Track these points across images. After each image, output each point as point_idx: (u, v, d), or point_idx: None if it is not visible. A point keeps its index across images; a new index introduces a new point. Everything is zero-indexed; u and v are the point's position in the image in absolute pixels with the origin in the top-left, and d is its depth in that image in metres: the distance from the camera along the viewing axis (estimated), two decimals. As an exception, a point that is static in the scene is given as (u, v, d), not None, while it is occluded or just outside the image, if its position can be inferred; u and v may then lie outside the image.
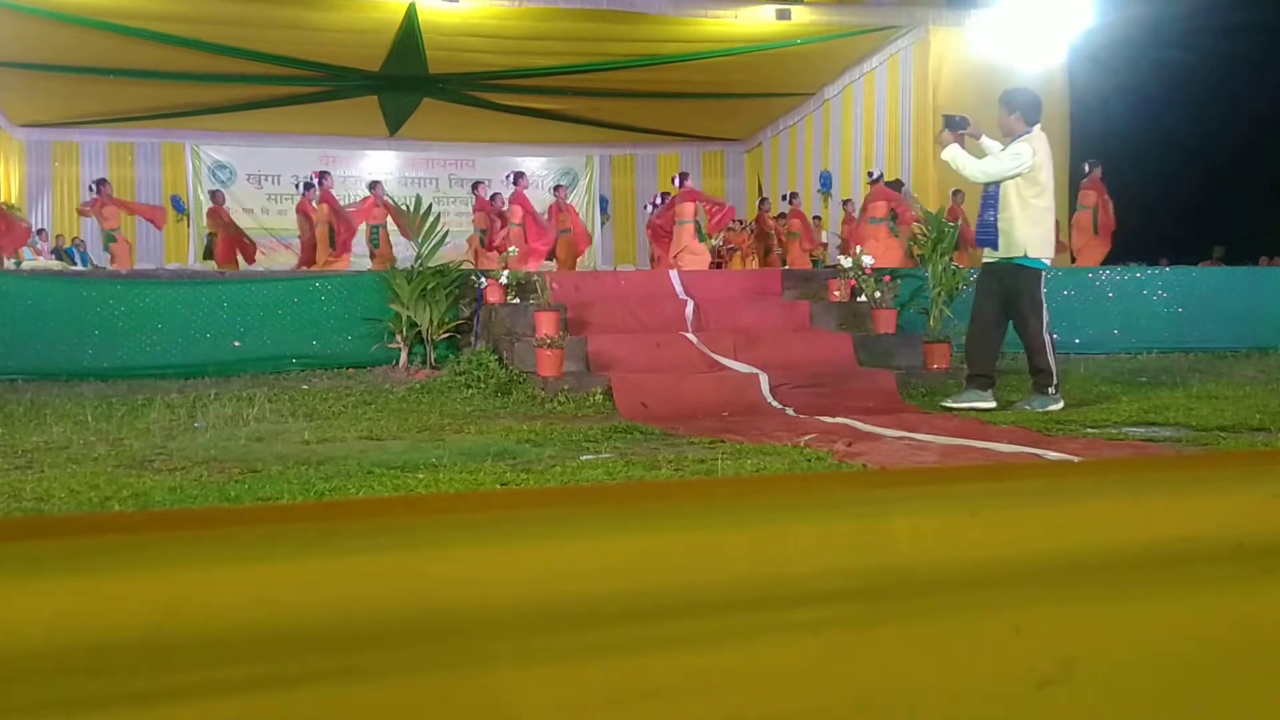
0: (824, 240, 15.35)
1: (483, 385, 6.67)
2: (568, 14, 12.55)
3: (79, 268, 13.81)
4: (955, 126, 5.86)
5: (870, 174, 13.23)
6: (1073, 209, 12.74)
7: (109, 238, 13.18)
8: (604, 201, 20.65)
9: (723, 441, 4.55)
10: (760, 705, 0.55)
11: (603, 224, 20.44)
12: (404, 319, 7.98)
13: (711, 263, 16.84)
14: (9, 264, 12.27)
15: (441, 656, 0.51)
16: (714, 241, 17.65)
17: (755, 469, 3.87)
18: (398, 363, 8.04)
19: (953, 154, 5.76)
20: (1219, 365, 7.98)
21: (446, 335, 8.11)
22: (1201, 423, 4.87)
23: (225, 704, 0.48)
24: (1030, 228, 5.58)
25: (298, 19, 12.40)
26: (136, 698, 0.46)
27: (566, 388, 6.30)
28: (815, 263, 13.75)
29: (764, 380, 6.39)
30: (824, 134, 16.77)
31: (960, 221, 10.03)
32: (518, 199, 12.61)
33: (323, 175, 12.95)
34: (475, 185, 13.90)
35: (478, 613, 0.52)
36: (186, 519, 0.52)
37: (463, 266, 8.87)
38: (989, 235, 5.69)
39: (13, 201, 15.10)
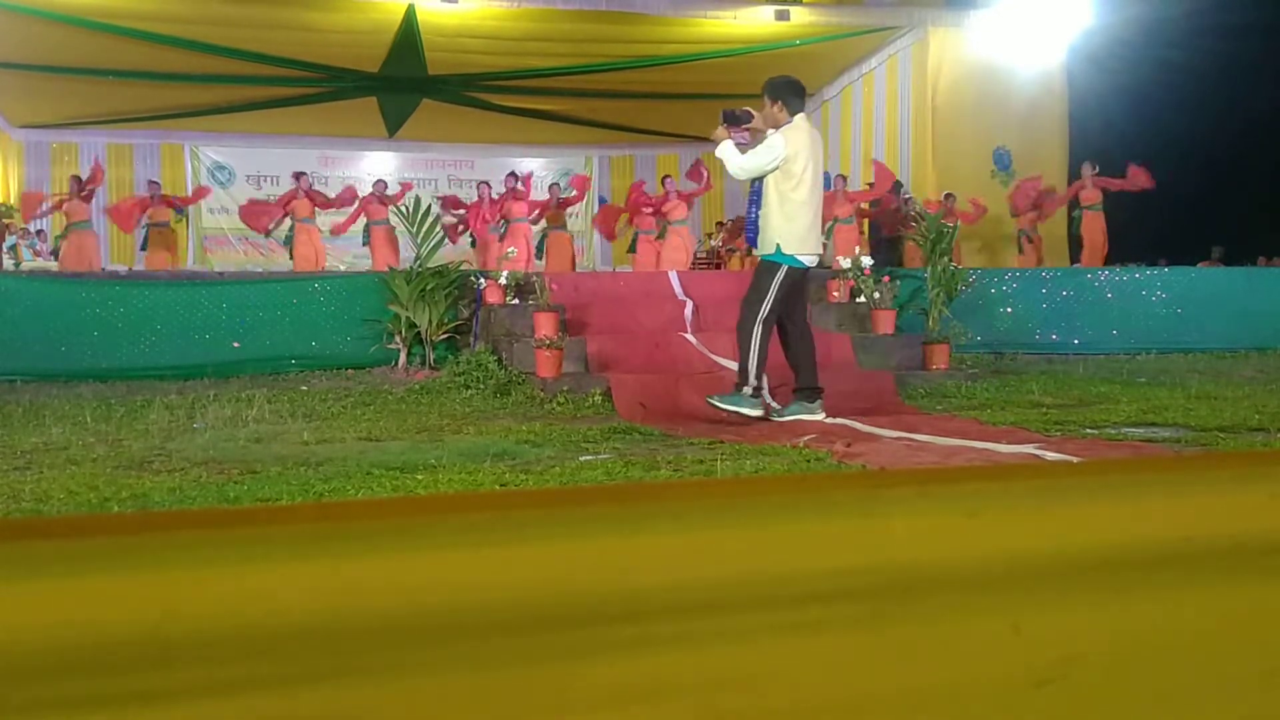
0: None
1: (482, 386, 6.67)
2: (567, 15, 12.55)
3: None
4: (732, 121, 5.53)
5: (844, 178, 13.35)
6: (1072, 209, 12.73)
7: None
8: (603, 202, 20.66)
9: (722, 442, 4.55)
10: (759, 705, 0.55)
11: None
12: (403, 320, 7.98)
13: (710, 263, 16.89)
14: (9, 264, 12.28)
15: (441, 657, 0.51)
16: (714, 242, 17.69)
17: (754, 469, 3.87)
18: (397, 363, 8.04)
19: (722, 150, 5.45)
20: (1218, 365, 7.99)
21: (446, 336, 8.11)
22: (1200, 423, 4.87)
23: (224, 704, 0.48)
24: (785, 223, 5.26)
25: (297, 20, 12.40)
26: (136, 698, 0.46)
27: (565, 388, 6.30)
28: None
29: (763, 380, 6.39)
30: (823, 135, 16.74)
31: (956, 223, 10.04)
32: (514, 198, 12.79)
33: (299, 175, 13.16)
34: (480, 186, 13.98)
35: (477, 613, 0.52)
36: (185, 520, 0.52)
37: (463, 267, 8.88)
38: (751, 233, 5.47)
39: (11, 203, 15.08)
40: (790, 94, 5.46)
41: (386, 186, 13.22)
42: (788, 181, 5.26)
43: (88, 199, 12.12)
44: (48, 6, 11.73)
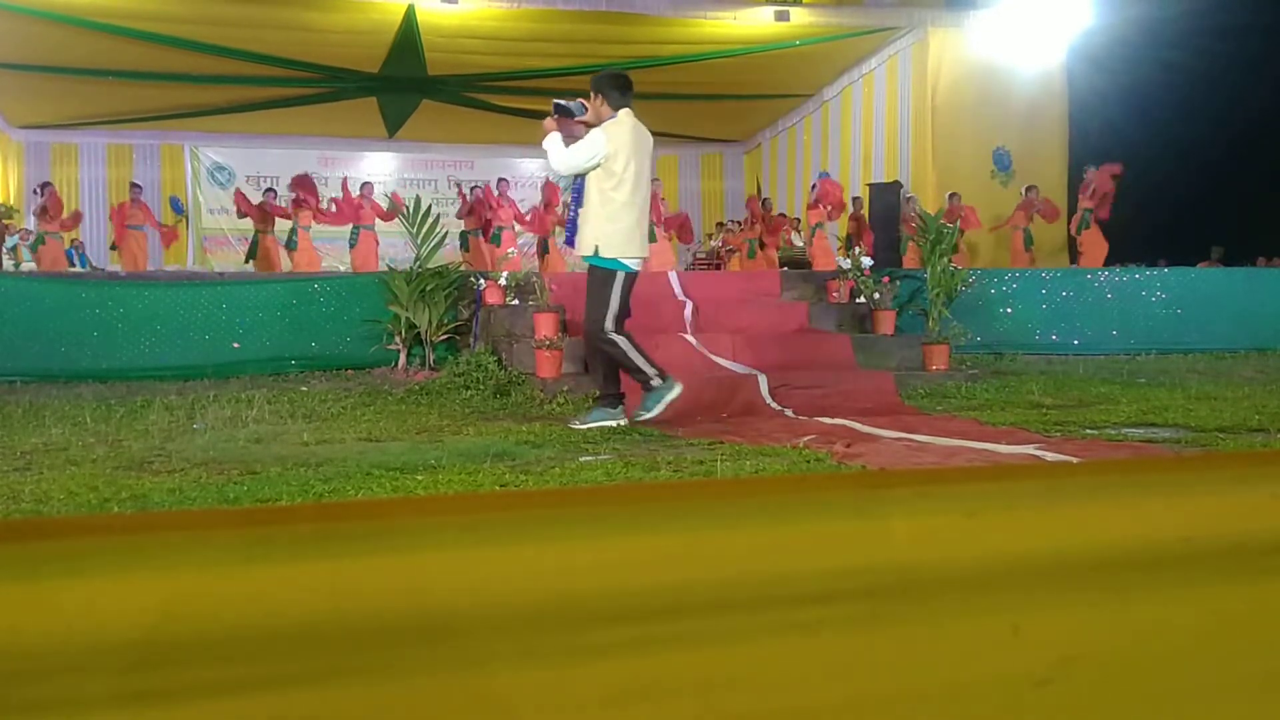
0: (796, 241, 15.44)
1: (482, 387, 6.66)
2: (566, 15, 12.55)
3: (78, 269, 13.81)
4: (562, 113, 5.27)
5: (819, 177, 13.48)
6: (1071, 211, 12.74)
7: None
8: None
9: (722, 443, 4.55)
10: (759, 705, 0.55)
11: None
12: (403, 320, 7.98)
13: (709, 264, 16.89)
14: (9, 265, 12.28)
15: (440, 657, 0.51)
16: (713, 243, 17.69)
17: (754, 470, 3.87)
18: (396, 364, 8.04)
19: (547, 143, 5.22)
20: (1217, 366, 7.99)
21: (445, 337, 8.11)
22: (1200, 424, 4.88)
23: (224, 705, 0.48)
24: (605, 224, 5.05)
25: (297, 20, 12.41)
26: (135, 698, 0.47)
27: (566, 389, 6.30)
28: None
29: (763, 381, 6.39)
30: (823, 135, 16.78)
31: (958, 223, 10.05)
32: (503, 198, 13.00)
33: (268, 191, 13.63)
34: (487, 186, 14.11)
35: (477, 614, 0.52)
36: (185, 520, 0.52)
37: (463, 268, 8.88)
38: (570, 232, 5.29)
39: (10, 203, 15.09)
40: (612, 87, 5.23)
41: (373, 189, 13.47)
42: (609, 180, 5.05)
43: (51, 219, 12.21)
44: (48, 6, 11.74)
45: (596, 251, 5.09)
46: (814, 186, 14.21)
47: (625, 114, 5.17)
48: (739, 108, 17.37)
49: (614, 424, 5.12)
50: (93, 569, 0.47)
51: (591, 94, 5.24)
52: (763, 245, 14.95)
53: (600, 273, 5.12)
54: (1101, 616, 0.62)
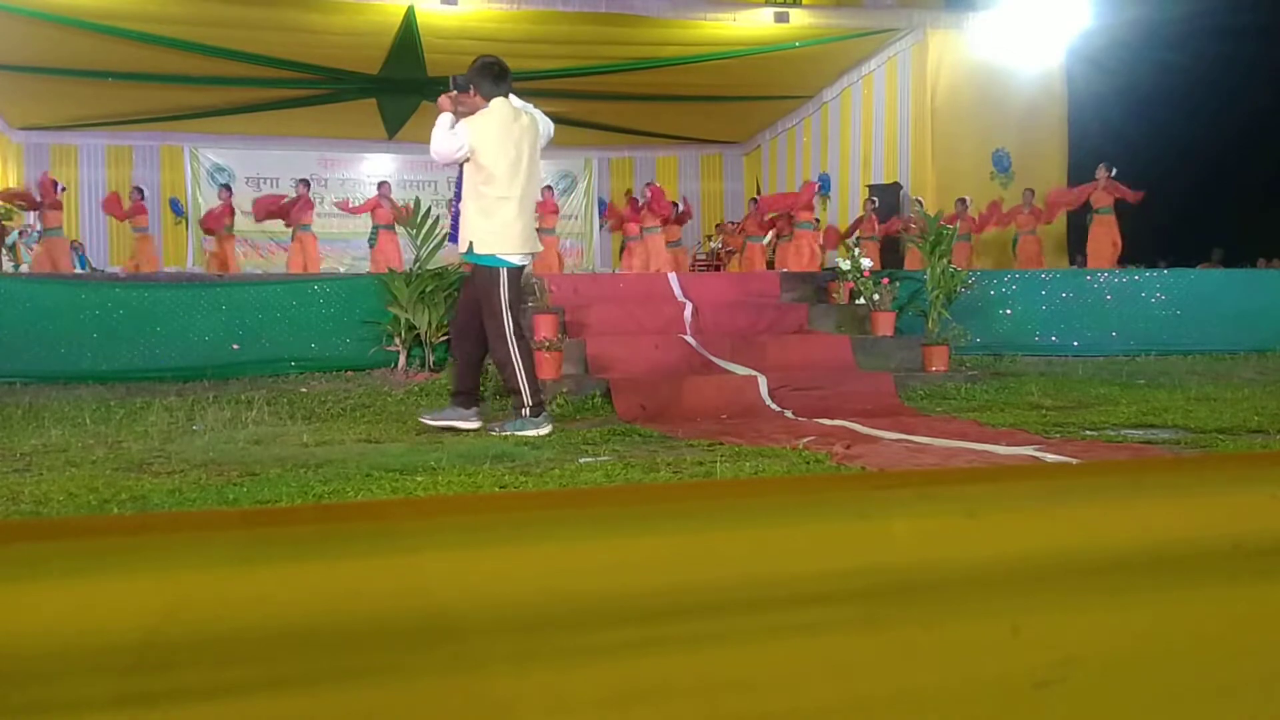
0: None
1: (481, 388, 6.66)
2: (566, 17, 12.56)
3: (78, 270, 13.82)
4: (459, 88, 4.96)
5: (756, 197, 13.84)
6: (1085, 212, 12.71)
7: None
8: (602, 204, 20.67)
9: (721, 444, 4.55)
10: (759, 705, 0.55)
11: (601, 227, 20.45)
12: (403, 322, 7.98)
13: (709, 265, 16.90)
14: (8, 265, 12.29)
15: (440, 658, 0.51)
16: (713, 244, 17.70)
17: (754, 471, 3.87)
18: (396, 365, 8.03)
19: (437, 122, 4.91)
20: (1217, 367, 7.99)
21: (445, 338, 8.10)
22: (1200, 425, 4.88)
23: (224, 705, 0.48)
24: (481, 220, 4.82)
25: (296, 22, 12.42)
26: (136, 698, 0.47)
27: (565, 390, 6.30)
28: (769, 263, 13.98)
29: (763, 383, 6.40)
30: (822, 137, 16.79)
31: (957, 225, 10.06)
32: None
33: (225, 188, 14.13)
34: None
35: (477, 615, 0.52)
36: (185, 521, 0.52)
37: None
38: (453, 227, 5.07)
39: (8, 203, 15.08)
40: (484, 77, 4.93)
41: (390, 189, 13.55)
42: (479, 174, 4.83)
43: (55, 207, 12.23)
44: (48, 8, 11.74)
45: (471, 248, 4.85)
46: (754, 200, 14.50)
47: (499, 104, 4.90)
48: (738, 109, 17.38)
49: (467, 426, 4.94)
50: (93, 570, 0.48)
51: (469, 83, 4.93)
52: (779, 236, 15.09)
53: (486, 273, 4.86)
54: (1101, 616, 0.62)
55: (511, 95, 5.03)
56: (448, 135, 4.82)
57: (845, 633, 0.57)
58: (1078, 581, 0.62)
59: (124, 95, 15.32)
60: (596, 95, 15.97)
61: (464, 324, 5.05)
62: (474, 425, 4.97)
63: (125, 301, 7.93)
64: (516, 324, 4.89)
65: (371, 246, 13.29)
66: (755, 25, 13.14)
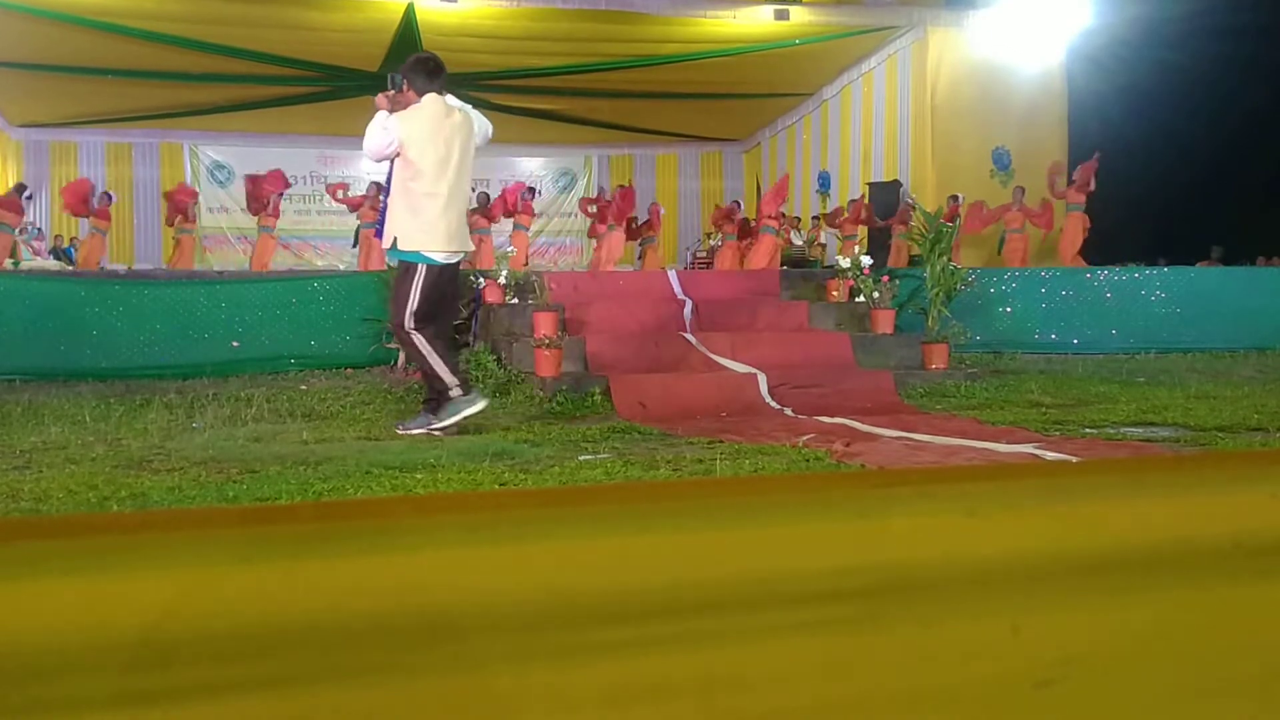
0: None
1: (481, 386, 6.65)
2: (566, 14, 12.56)
3: (76, 268, 13.82)
4: (394, 86, 4.90)
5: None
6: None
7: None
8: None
9: (721, 442, 4.55)
10: (758, 703, 0.55)
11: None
12: (402, 319, 7.97)
13: (708, 263, 16.90)
14: (7, 264, 12.28)
15: (440, 657, 0.51)
16: (713, 242, 17.70)
17: (753, 469, 3.87)
18: (396, 363, 8.03)
19: (372, 120, 4.86)
20: (1217, 365, 7.99)
21: (445, 335, 8.10)
22: (1199, 423, 4.88)
23: (223, 704, 0.48)
24: (407, 216, 4.79)
25: (296, 19, 12.42)
26: (136, 698, 0.46)
27: (565, 388, 6.30)
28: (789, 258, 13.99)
29: (762, 380, 6.40)
30: (822, 134, 16.78)
31: (958, 223, 10.05)
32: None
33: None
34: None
35: (476, 613, 0.52)
36: (185, 519, 0.52)
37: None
38: (380, 222, 4.98)
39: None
40: (417, 73, 4.89)
41: (380, 190, 13.57)
42: (406, 170, 4.78)
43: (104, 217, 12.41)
44: (47, 6, 11.73)
45: (395, 245, 4.81)
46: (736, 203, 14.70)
47: (430, 99, 4.85)
48: (738, 107, 17.37)
49: (441, 425, 4.89)
50: (92, 568, 0.47)
51: (403, 79, 4.89)
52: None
53: (402, 266, 4.85)
54: (1102, 616, 0.62)
55: (448, 94, 5.00)
56: (379, 132, 4.79)
57: (845, 631, 0.57)
58: (1078, 580, 0.62)
59: (123, 92, 15.32)
60: (596, 92, 15.97)
61: (441, 329, 5.02)
62: (479, 406, 4.95)
63: (125, 299, 7.93)
64: (423, 316, 4.81)
65: (354, 245, 13.39)
66: (755, 22, 13.13)
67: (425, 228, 4.79)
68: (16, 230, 13.04)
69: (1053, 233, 12.89)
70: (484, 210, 12.97)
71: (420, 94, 4.85)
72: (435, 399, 4.96)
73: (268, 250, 13.23)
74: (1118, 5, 13.59)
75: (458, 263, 5.00)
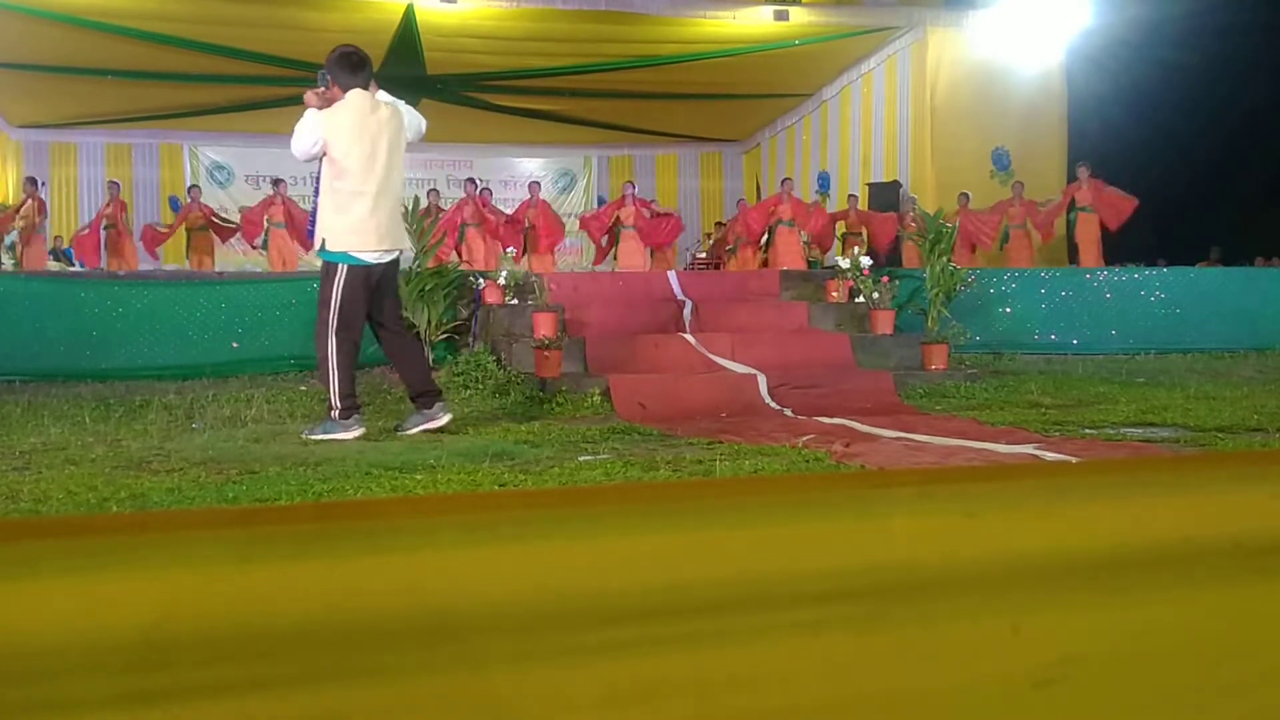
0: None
1: (481, 386, 6.66)
2: (566, 15, 12.56)
3: (76, 269, 13.82)
4: (323, 82, 4.76)
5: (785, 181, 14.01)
6: (1069, 211, 12.71)
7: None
8: (602, 202, 20.67)
9: (721, 442, 4.55)
10: (758, 705, 0.55)
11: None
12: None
13: (708, 264, 16.90)
14: (7, 264, 12.28)
15: (440, 657, 0.51)
16: (712, 242, 17.70)
17: (753, 470, 3.87)
18: (395, 364, 8.02)
19: (303, 117, 4.70)
20: (1216, 366, 7.99)
21: (444, 336, 8.10)
22: (1199, 423, 4.88)
23: (222, 705, 0.48)
24: (333, 215, 4.63)
25: (296, 19, 12.42)
26: (135, 698, 0.46)
27: (564, 388, 6.30)
28: (811, 263, 13.83)
29: (762, 381, 6.40)
30: (822, 135, 16.78)
31: (957, 224, 10.05)
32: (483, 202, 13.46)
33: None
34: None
35: (476, 614, 0.52)
36: (184, 520, 0.52)
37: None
38: (310, 223, 4.86)
39: (7, 202, 15.08)
40: (340, 67, 4.69)
41: None
42: (331, 169, 4.63)
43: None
44: (48, 6, 11.73)
45: (323, 245, 4.65)
46: (785, 181, 14.64)
47: (355, 95, 4.67)
48: (738, 107, 17.38)
49: (437, 424, 4.80)
50: (91, 568, 0.47)
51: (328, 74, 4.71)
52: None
53: (325, 264, 4.70)
54: (1101, 616, 0.62)
55: (379, 88, 4.87)
56: (304, 131, 4.64)
57: (844, 631, 0.57)
58: (1078, 580, 0.62)
59: (123, 93, 15.32)
60: (596, 93, 15.97)
61: (395, 329, 4.90)
62: (443, 420, 4.83)
63: (124, 300, 7.93)
64: (345, 323, 4.66)
65: None
66: (755, 23, 13.14)
67: (354, 227, 4.62)
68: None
69: (1052, 240, 12.91)
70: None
71: (345, 89, 4.66)
72: (424, 396, 4.85)
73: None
74: (1117, 5, 13.60)
75: (392, 261, 4.81)
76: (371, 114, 4.69)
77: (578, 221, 15.10)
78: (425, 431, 4.79)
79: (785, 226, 12.96)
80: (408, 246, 5.00)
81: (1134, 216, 12.22)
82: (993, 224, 12.57)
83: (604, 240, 13.51)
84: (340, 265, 4.63)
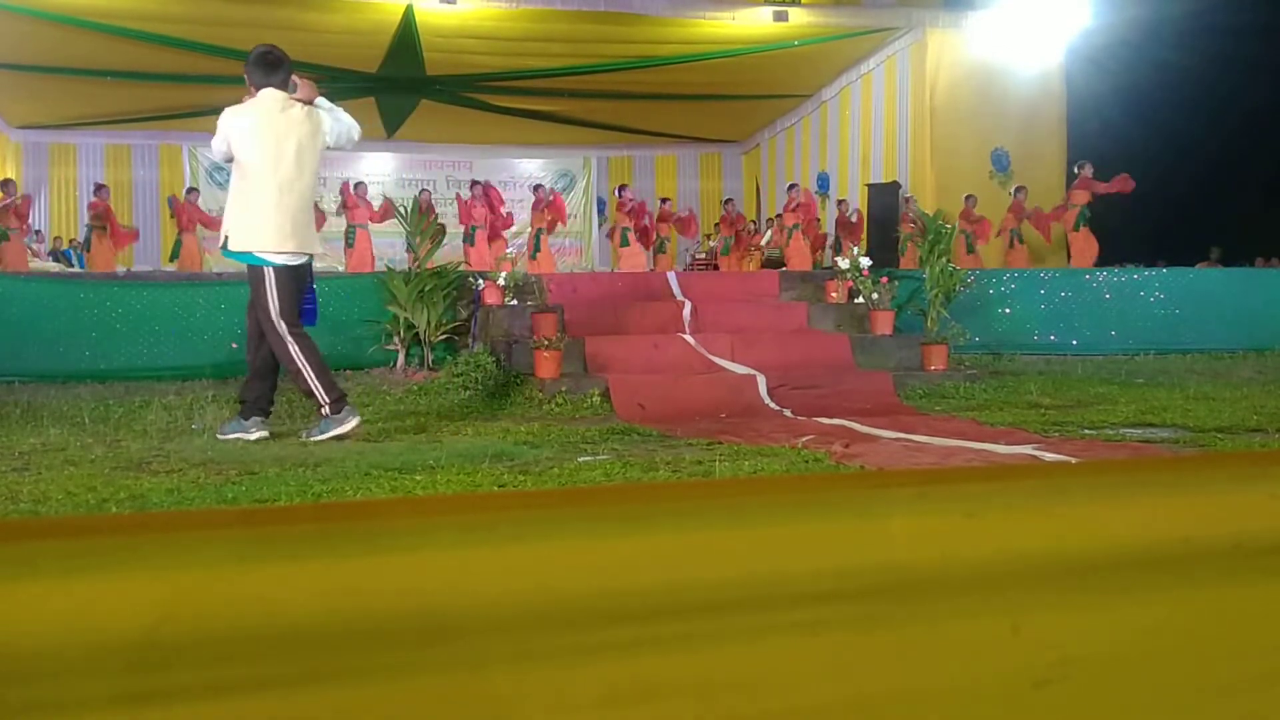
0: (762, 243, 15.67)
1: (480, 387, 6.66)
2: (565, 15, 12.56)
3: (76, 269, 13.82)
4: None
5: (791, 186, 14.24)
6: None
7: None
8: (601, 203, 20.67)
9: (720, 443, 4.55)
10: (757, 706, 0.55)
11: (600, 225, 20.45)
12: (401, 321, 7.97)
13: (707, 264, 16.92)
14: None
15: (439, 658, 0.51)
16: (712, 243, 17.71)
17: (753, 470, 3.87)
18: (395, 365, 8.03)
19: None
20: (1216, 366, 7.99)
21: (444, 337, 8.11)
22: (1199, 424, 4.88)
23: (222, 706, 0.48)
24: (236, 214, 4.60)
25: (295, 20, 12.42)
26: (135, 699, 0.46)
27: (564, 389, 6.30)
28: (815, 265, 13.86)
29: (761, 381, 6.40)
30: (821, 135, 16.79)
31: (958, 224, 10.06)
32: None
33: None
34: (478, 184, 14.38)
35: (475, 614, 0.52)
36: (184, 521, 0.52)
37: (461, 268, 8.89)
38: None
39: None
40: (255, 66, 4.65)
41: (367, 189, 13.82)
42: (237, 169, 4.62)
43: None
44: (47, 6, 11.73)
45: (225, 243, 4.63)
46: (792, 187, 14.59)
47: (266, 94, 4.61)
48: (737, 108, 17.39)
49: (251, 437, 4.70)
50: (91, 569, 0.47)
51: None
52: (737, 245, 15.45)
53: (252, 271, 4.67)
54: (1101, 617, 0.62)
55: (320, 94, 4.85)
56: (217, 131, 4.63)
57: (844, 632, 0.57)
58: (1078, 581, 0.62)
59: (123, 94, 15.32)
60: (595, 94, 15.98)
61: (250, 330, 4.82)
62: (254, 436, 4.72)
63: (124, 300, 7.93)
64: (294, 325, 4.64)
65: (349, 246, 13.45)
66: (754, 24, 13.14)
67: (256, 226, 4.58)
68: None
69: (1051, 244, 12.93)
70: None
71: (258, 88, 4.62)
72: (318, 403, 4.75)
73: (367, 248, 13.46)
74: (1117, 5, 13.61)
75: (299, 265, 4.73)
76: (280, 113, 4.62)
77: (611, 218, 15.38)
78: (240, 439, 4.69)
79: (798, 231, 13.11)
80: (317, 250, 4.91)
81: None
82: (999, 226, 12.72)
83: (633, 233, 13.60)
84: (266, 270, 4.61)
